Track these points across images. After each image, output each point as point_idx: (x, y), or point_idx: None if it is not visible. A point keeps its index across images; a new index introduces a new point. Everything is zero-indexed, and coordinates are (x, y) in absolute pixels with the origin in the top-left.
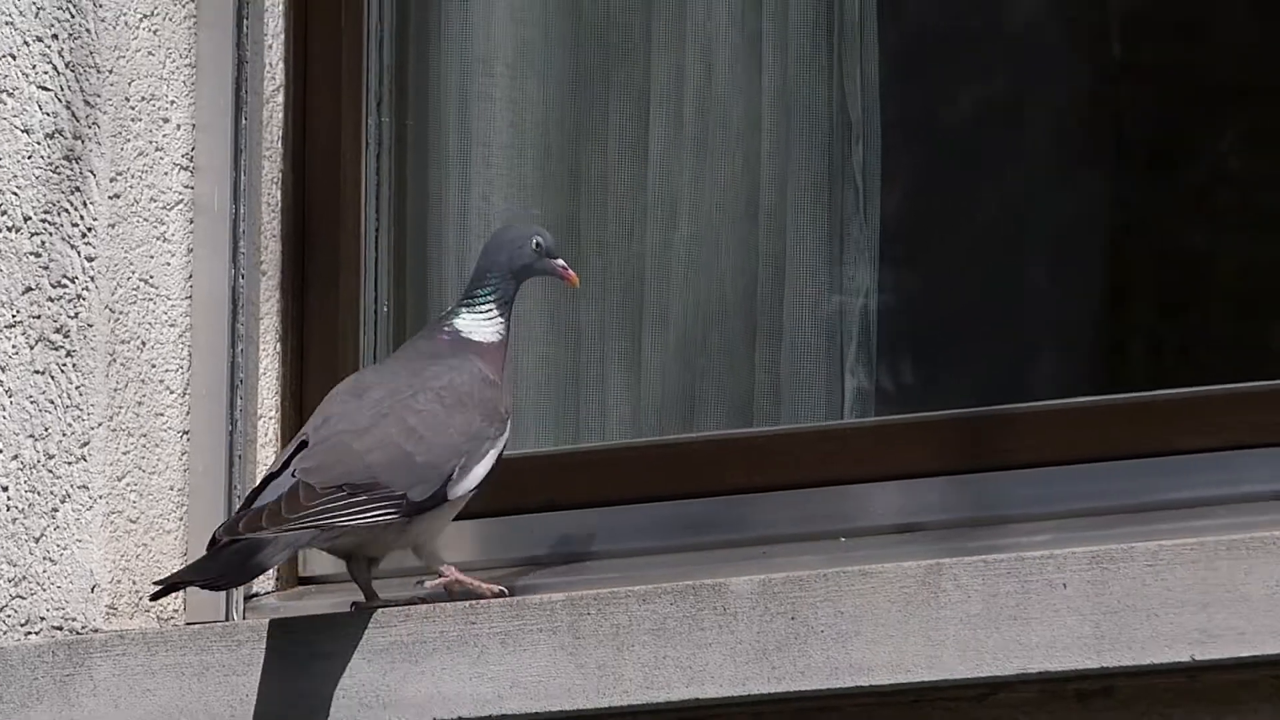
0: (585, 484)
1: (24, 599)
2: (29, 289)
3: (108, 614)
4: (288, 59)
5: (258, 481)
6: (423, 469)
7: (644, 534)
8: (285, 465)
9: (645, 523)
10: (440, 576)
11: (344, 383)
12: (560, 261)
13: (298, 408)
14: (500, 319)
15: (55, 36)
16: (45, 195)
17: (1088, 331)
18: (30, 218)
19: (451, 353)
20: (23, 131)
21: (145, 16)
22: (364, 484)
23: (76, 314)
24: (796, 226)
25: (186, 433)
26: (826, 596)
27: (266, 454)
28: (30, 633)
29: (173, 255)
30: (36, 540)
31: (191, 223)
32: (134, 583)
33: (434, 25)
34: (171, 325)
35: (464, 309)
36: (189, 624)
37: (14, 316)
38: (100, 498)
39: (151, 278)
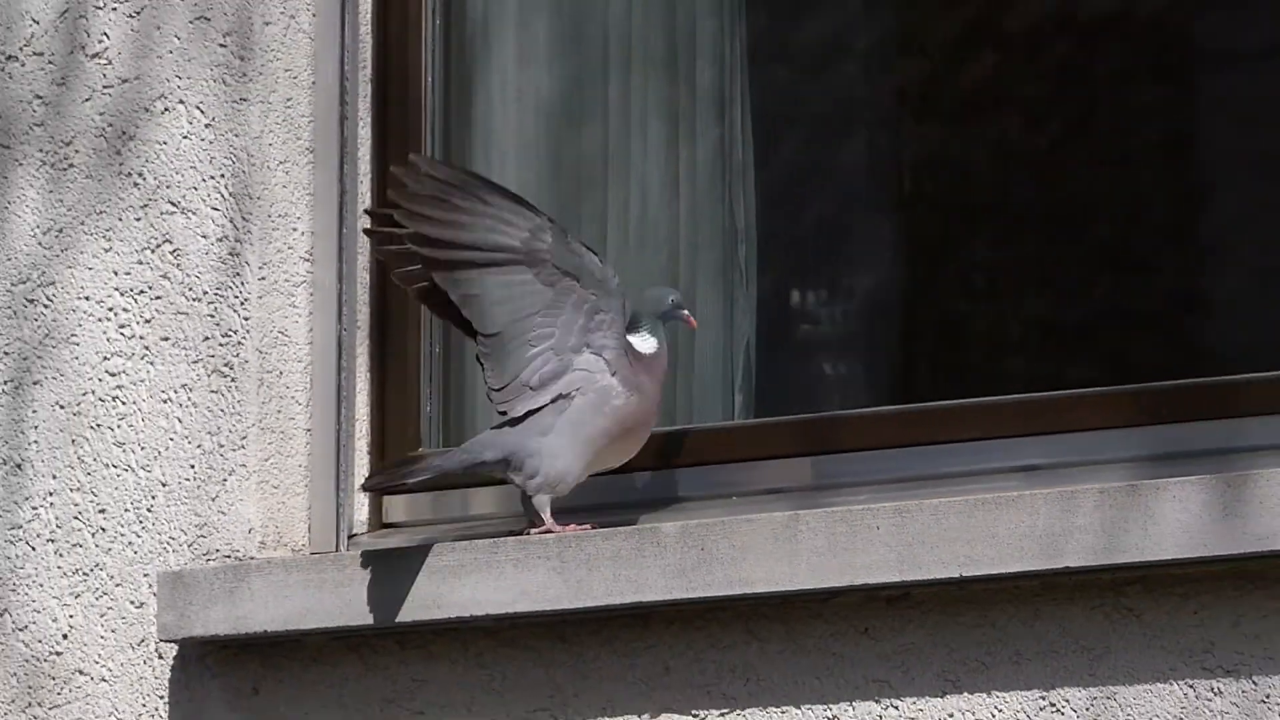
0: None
1: (205, 538)
2: (207, 338)
3: (259, 547)
4: (372, 190)
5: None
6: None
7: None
8: None
9: (617, 487)
10: (540, 525)
11: None
12: (685, 311)
13: (382, 415)
14: (654, 340)
15: (223, 175)
16: (217, 277)
17: (890, 358)
18: (208, 292)
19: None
20: (202, 237)
21: (281, 162)
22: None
23: (238, 354)
24: (704, 291)
25: (310, 430)
26: (724, 534)
27: (362, 445)
28: (210, 560)
29: (300, 316)
30: (213, 500)
31: (312, 296)
32: (277, 528)
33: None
34: (299, 361)
35: (630, 335)
36: (312, 554)
37: (198, 355)
38: (254, 473)
39: (285, 332)
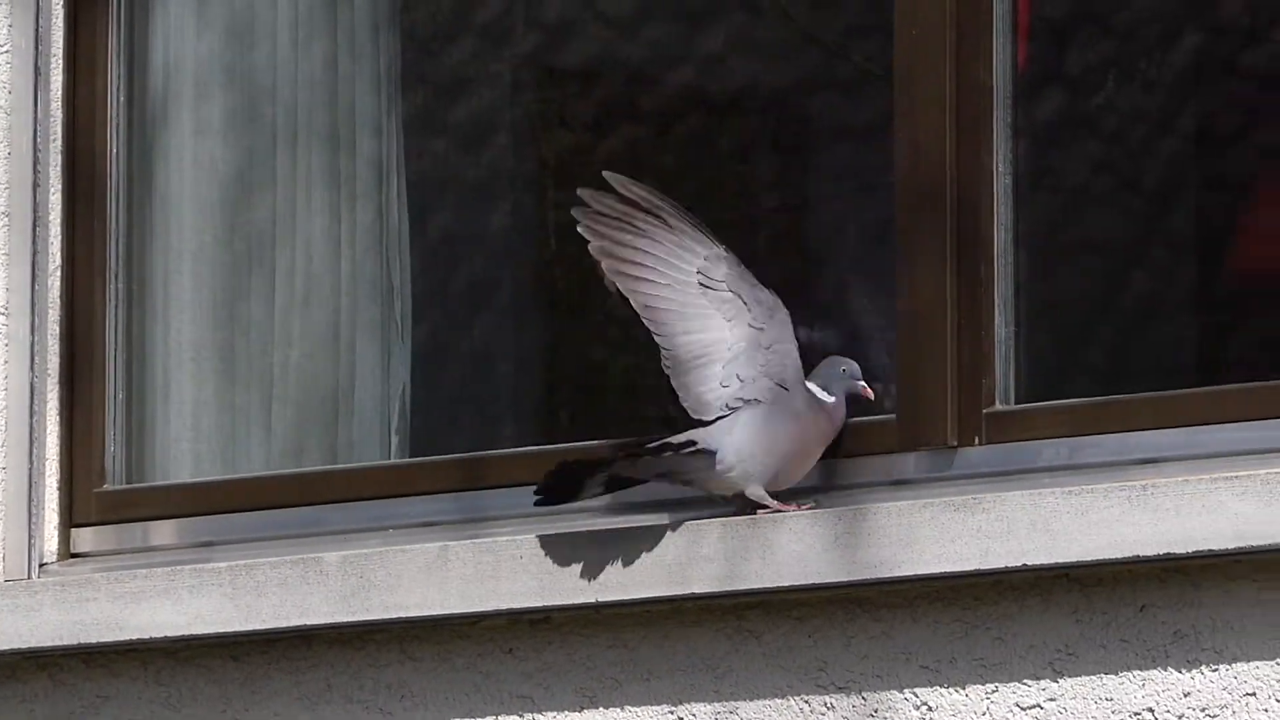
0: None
1: None
2: None
3: None
4: (62, 250)
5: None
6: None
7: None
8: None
9: (280, 524)
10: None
11: None
12: (861, 383)
13: (70, 455)
14: (831, 396)
15: None
16: None
17: (534, 403)
18: None
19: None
20: None
21: None
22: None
23: None
24: (363, 342)
25: (4, 469)
26: (381, 564)
27: (52, 482)
28: None
29: None
30: None
31: (7, 347)
32: None
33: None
34: None
35: (812, 385)
36: (6, 581)
37: None
38: None
39: None
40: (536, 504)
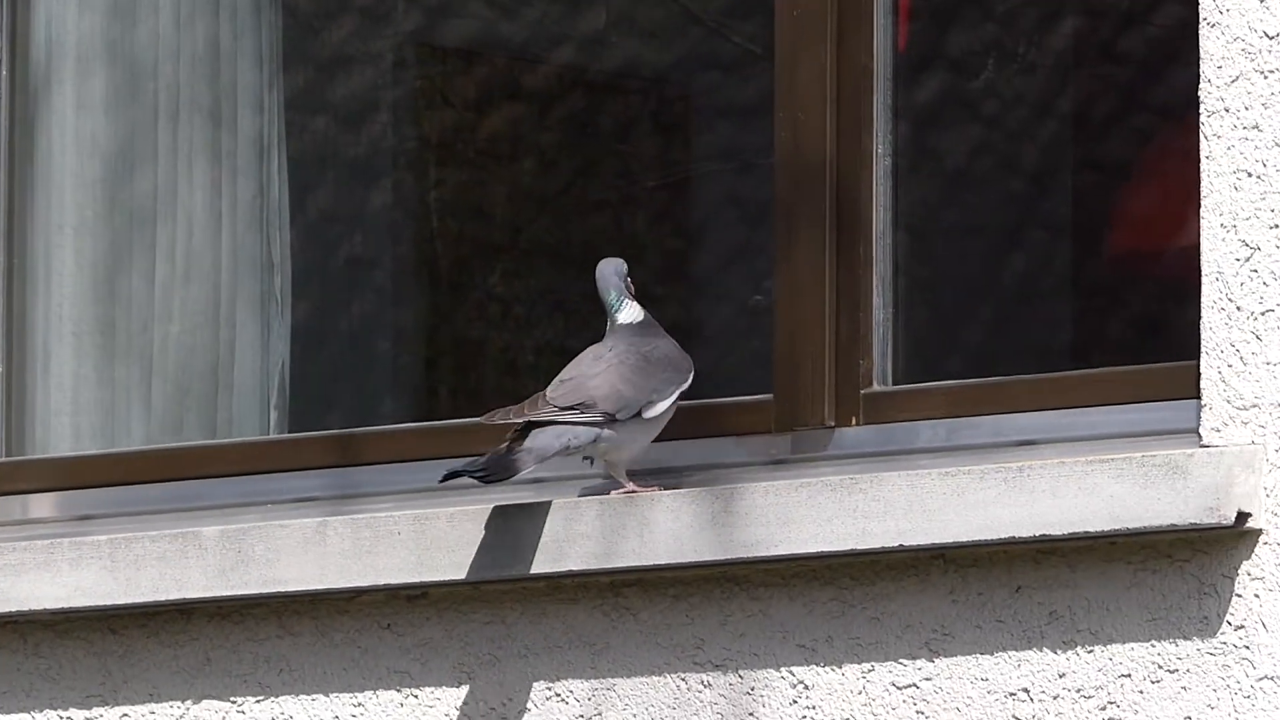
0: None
1: None
2: None
3: None
4: None
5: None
6: (628, 400)
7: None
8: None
9: (159, 498)
10: (622, 487)
11: (583, 353)
12: (629, 280)
13: None
14: (638, 308)
15: None
16: None
17: (413, 379)
18: None
19: (643, 332)
20: None
21: None
22: (586, 403)
23: None
24: (243, 318)
25: None
26: (260, 538)
27: None
28: None
29: None
30: None
31: None
32: None
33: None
34: None
35: (621, 310)
36: None
37: None
38: None
39: None
40: (468, 478)
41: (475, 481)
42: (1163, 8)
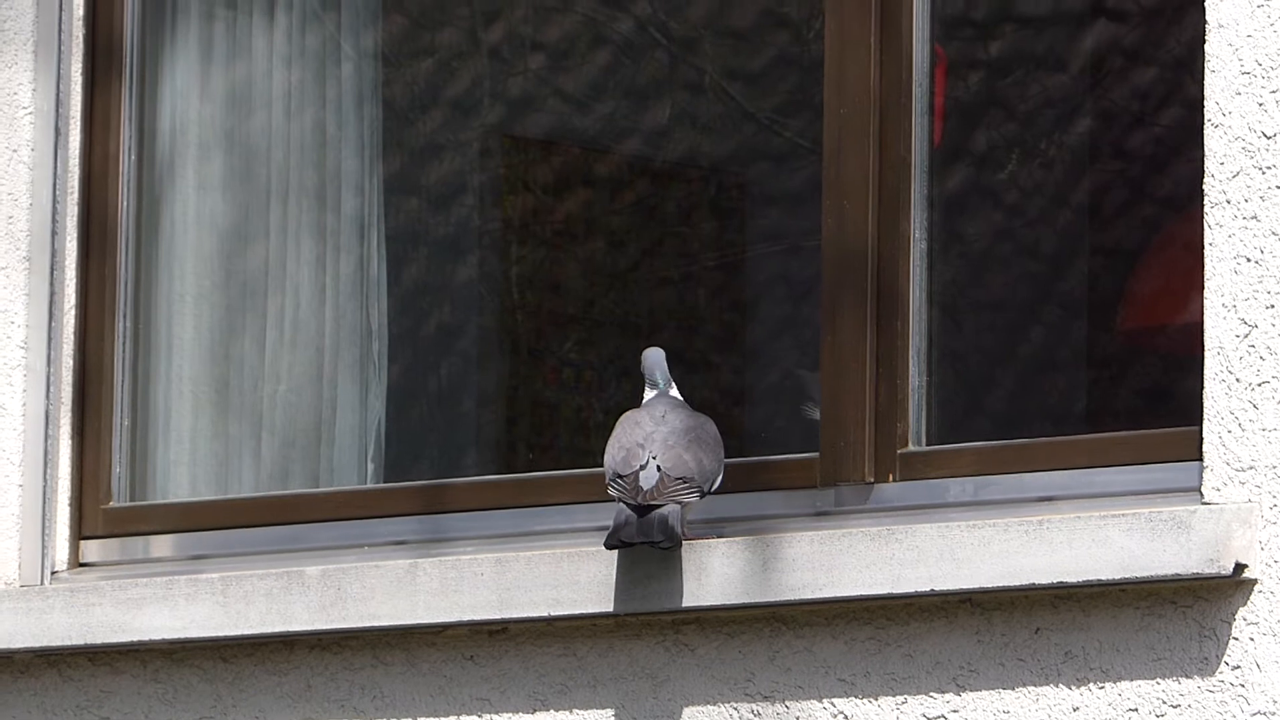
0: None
1: None
2: None
3: None
4: (77, 292)
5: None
6: (709, 473)
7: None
8: (643, 465)
9: (266, 540)
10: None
11: (636, 414)
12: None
13: (80, 475)
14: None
15: None
16: None
17: (496, 435)
18: None
19: (683, 405)
20: None
21: (2, 269)
22: (690, 477)
23: None
24: (344, 379)
25: (22, 486)
26: (357, 577)
27: (64, 499)
28: None
29: (15, 394)
30: None
31: (25, 377)
32: None
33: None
34: (14, 430)
35: (669, 389)
36: (21, 586)
37: None
38: None
39: (4, 406)
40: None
41: (650, 547)
42: (1168, 110)
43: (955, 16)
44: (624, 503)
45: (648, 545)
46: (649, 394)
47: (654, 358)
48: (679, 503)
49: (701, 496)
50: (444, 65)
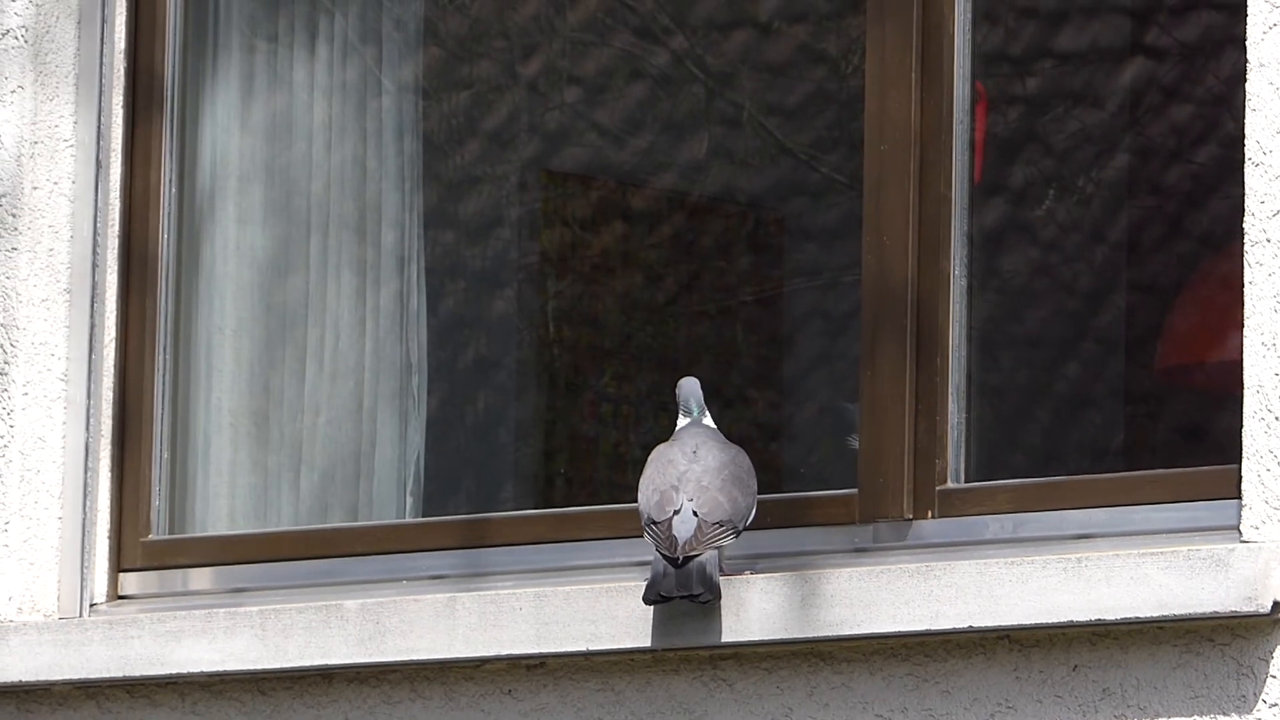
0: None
1: None
2: None
3: (17, 612)
4: (117, 323)
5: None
6: (744, 510)
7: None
8: (678, 510)
9: (305, 574)
10: (721, 572)
11: (668, 450)
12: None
13: (120, 507)
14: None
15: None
16: None
17: (534, 469)
18: None
19: (717, 436)
20: None
21: (43, 300)
22: (727, 520)
23: (4, 455)
24: (383, 412)
25: (61, 518)
26: (395, 611)
27: (103, 531)
28: None
29: (55, 425)
30: None
31: (66, 409)
32: (32, 597)
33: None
34: (54, 462)
35: (703, 417)
36: (60, 618)
37: None
38: (14, 551)
39: (44, 438)
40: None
41: (689, 601)
42: (1205, 148)
43: (994, 52)
44: (661, 553)
45: (688, 600)
46: (682, 421)
47: (689, 386)
48: (716, 548)
49: (737, 536)
50: (481, 99)
